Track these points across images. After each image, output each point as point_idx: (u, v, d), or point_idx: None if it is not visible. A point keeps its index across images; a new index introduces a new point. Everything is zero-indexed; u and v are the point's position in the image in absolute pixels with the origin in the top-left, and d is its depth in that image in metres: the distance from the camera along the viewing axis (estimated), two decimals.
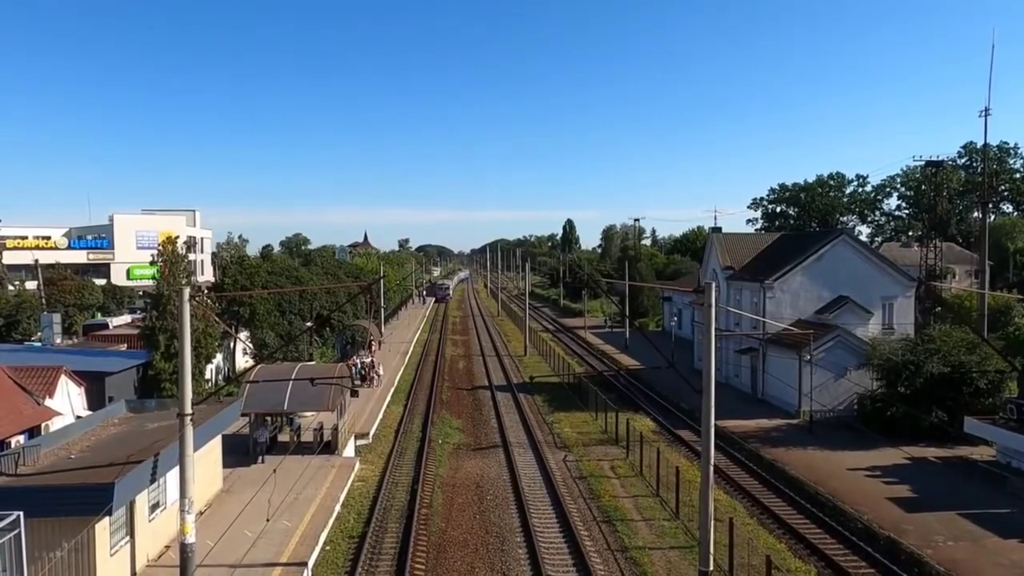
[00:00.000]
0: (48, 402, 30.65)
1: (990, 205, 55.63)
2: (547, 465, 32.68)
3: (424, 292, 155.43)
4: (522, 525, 25.24)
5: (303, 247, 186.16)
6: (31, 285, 79.30)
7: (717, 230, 58.61)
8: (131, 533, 19.89)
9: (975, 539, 23.40)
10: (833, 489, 28.52)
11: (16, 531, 15.62)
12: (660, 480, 28.79)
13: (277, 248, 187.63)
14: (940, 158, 60.99)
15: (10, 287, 77.13)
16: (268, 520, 23.75)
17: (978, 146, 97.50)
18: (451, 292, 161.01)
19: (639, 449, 32.87)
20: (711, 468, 19.21)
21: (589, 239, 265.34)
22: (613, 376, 57.37)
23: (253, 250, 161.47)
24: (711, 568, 18.73)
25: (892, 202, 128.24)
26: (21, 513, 15.76)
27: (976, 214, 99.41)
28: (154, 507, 21.51)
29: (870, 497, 27.56)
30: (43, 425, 29.16)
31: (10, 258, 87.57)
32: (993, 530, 23.95)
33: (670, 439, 37.89)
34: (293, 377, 32.21)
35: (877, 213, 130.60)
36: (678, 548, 23.25)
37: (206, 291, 60.73)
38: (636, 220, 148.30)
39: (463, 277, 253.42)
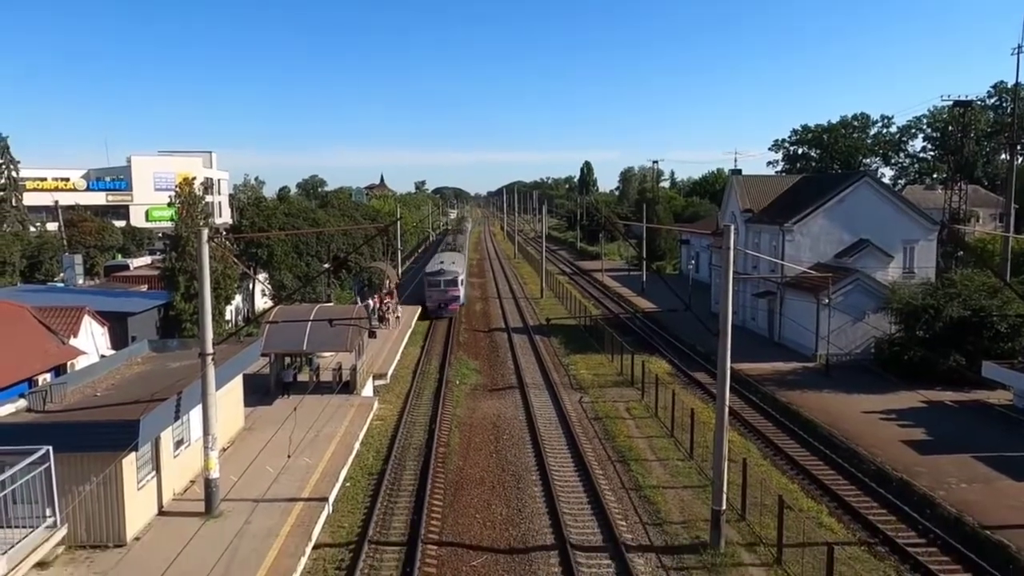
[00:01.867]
0: (72, 341, 31.25)
1: (1018, 147, 54.08)
2: (563, 406, 33.05)
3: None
4: (538, 464, 25.66)
5: (320, 189, 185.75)
6: (52, 226, 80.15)
7: (737, 172, 57.77)
8: (157, 468, 20.44)
9: (988, 481, 23.51)
10: (847, 431, 28.67)
11: (46, 464, 16.10)
12: (675, 421, 29.04)
13: (294, 190, 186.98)
14: (969, 98, 59.33)
15: (31, 228, 77.97)
16: (289, 457, 24.29)
17: (1009, 86, 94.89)
18: (462, 290, 60.52)
19: (654, 391, 33.10)
20: (726, 409, 19.35)
21: (607, 181, 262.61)
22: (629, 319, 57.48)
23: (270, 192, 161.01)
24: (724, 507, 19.03)
25: (917, 144, 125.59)
26: (51, 448, 16.22)
27: (1004, 156, 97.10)
28: (178, 444, 22.02)
29: (884, 440, 27.69)
30: (68, 363, 29.80)
31: (30, 199, 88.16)
32: (1007, 473, 24.01)
33: (685, 381, 38.11)
34: (312, 318, 32.48)
35: (901, 155, 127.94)
36: (691, 487, 23.58)
37: (224, 232, 61.06)
38: (655, 162, 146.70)
39: (469, 228, 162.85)
